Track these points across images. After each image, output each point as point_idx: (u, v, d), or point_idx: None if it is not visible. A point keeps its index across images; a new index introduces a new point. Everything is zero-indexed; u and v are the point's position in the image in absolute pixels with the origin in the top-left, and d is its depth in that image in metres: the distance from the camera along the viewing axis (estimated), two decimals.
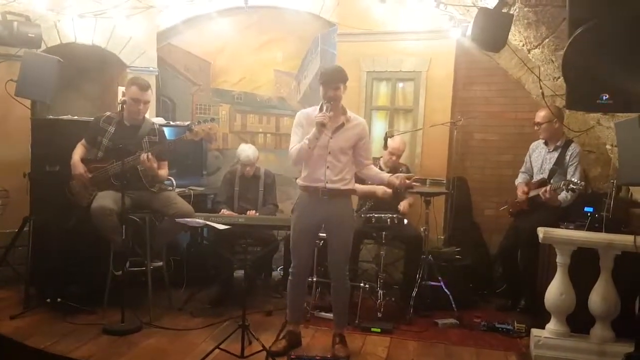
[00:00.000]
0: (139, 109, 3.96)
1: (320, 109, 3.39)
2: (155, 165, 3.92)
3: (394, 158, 4.65)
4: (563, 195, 4.02)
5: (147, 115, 4.20)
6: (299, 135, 3.41)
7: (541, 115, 4.25)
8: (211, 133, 4.02)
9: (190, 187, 5.04)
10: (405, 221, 4.32)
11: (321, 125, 3.23)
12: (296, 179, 3.69)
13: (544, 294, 3.54)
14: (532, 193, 4.25)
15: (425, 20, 5.07)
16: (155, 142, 4.05)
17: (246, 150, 4.75)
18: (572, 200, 4.04)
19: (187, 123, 5.43)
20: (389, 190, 4.36)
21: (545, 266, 4.02)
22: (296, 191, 3.64)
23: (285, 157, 5.71)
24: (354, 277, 4.20)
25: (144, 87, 3.98)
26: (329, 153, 3.37)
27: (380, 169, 4.70)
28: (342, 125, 3.40)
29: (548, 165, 4.27)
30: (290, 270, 3.57)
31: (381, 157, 4.82)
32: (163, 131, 4.23)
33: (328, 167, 3.37)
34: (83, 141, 4.05)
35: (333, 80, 3.34)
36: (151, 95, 4.01)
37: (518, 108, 5.26)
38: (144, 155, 3.85)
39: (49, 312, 3.98)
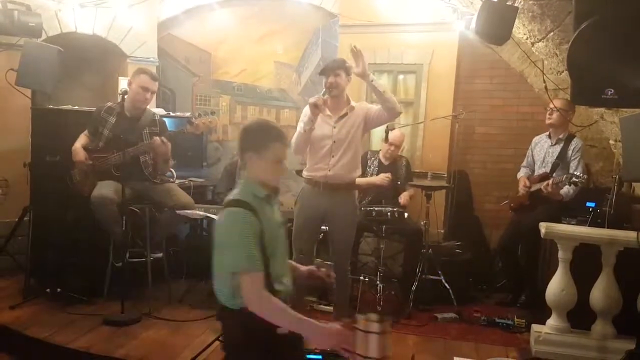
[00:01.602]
0: (146, 97, 3.93)
1: (323, 94, 3.39)
2: (169, 147, 3.89)
3: (392, 148, 4.63)
4: (565, 190, 4.00)
5: (147, 106, 4.18)
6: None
7: (560, 100, 4.17)
8: (211, 127, 4.02)
9: (190, 179, 5.02)
10: (406, 215, 4.30)
11: (314, 107, 3.22)
12: (296, 171, 3.68)
13: (545, 289, 3.53)
14: (534, 187, 4.22)
15: (428, 12, 5.04)
16: (156, 133, 4.03)
17: None
18: (574, 195, 4.02)
19: (187, 114, 5.41)
20: (388, 176, 4.36)
21: (547, 261, 4.02)
22: (296, 183, 3.63)
23: None
24: (353, 270, 4.19)
25: (155, 77, 3.99)
26: (334, 142, 3.38)
27: (380, 161, 4.71)
28: (346, 114, 3.40)
29: (550, 159, 4.24)
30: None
31: (380, 149, 4.81)
32: (164, 122, 4.21)
33: (333, 155, 3.38)
34: (86, 132, 4.03)
35: (331, 68, 3.35)
36: (157, 85, 4.00)
37: (520, 102, 5.24)
38: (157, 139, 3.82)
39: (48, 302, 3.97)
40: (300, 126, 3.36)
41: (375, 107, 3.45)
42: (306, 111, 3.40)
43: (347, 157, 3.40)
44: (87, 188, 3.87)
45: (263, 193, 2.05)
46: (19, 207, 4.26)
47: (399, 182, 4.59)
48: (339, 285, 3.54)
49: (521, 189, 4.38)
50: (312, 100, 3.24)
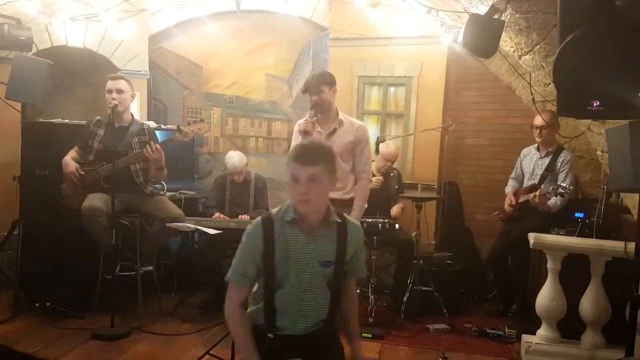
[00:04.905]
0: (112, 97, 3.90)
1: (310, 117, 3.38)
2: (162, 154, 3.87)
3: (388, 164, 4.67)
4: (553, 201, 4.04)
5: (137, 117, 4.19)
6: None
7: (544, 118, 4.16)
8: (201, 133, 4.02)
9: (181, 191, 5.02)
10: (397, 226, 4.32)
11: (304, 133, 3.19)
12: (288, 183, 3.67)
13: (535, 299, 3.55)
14: (522, 198, 4.26)
15: (417, 26, 5.08)
16: (145, 141, 4.01)
17: (233, 158, 4.70)
18: (561, 206, 4.05)
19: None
20: (380, 178, 4.37)
21: (536, 272, 4.04)
22: (288, 195, 3.60)
23: (277, 161, 5.74)
24: None
25: (115, 77, 4.00)
26: None
27: (373, 174, 4.72)
28: (335, 130, 3.37)
29: (539, 171, 4.28)
30: None
31: (373, 161, 4.83)
32: (153, 131, 4.18)
33: None
34: (76, 147, 4.02)
35: (314, 85, 3.30)
36: (126, 85, 3.96)
37: (509, 113, 5.30)
38: (148, 148, 3.80)
39: (37, 317, 3.94)
40: None
41: (360, 152, 3.42)
42: (296, 131, 3.39)
43: (341, 177, 3.33)
44: (77, 202, 3.85)
45: (290, 216, 1.97)
46: (8, 220, 4.23)
47: (396, 188, 4.61)
48: None
49: (507, 208, 4.42)
50: (301, 127, 3.19)
